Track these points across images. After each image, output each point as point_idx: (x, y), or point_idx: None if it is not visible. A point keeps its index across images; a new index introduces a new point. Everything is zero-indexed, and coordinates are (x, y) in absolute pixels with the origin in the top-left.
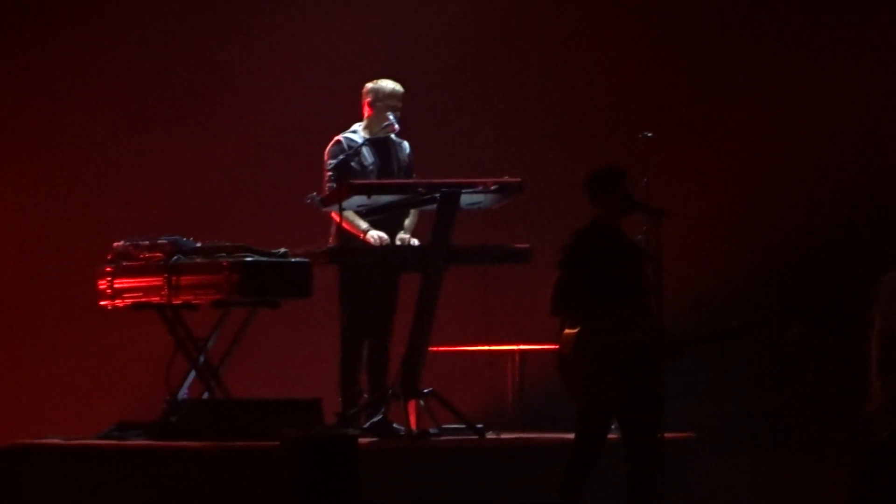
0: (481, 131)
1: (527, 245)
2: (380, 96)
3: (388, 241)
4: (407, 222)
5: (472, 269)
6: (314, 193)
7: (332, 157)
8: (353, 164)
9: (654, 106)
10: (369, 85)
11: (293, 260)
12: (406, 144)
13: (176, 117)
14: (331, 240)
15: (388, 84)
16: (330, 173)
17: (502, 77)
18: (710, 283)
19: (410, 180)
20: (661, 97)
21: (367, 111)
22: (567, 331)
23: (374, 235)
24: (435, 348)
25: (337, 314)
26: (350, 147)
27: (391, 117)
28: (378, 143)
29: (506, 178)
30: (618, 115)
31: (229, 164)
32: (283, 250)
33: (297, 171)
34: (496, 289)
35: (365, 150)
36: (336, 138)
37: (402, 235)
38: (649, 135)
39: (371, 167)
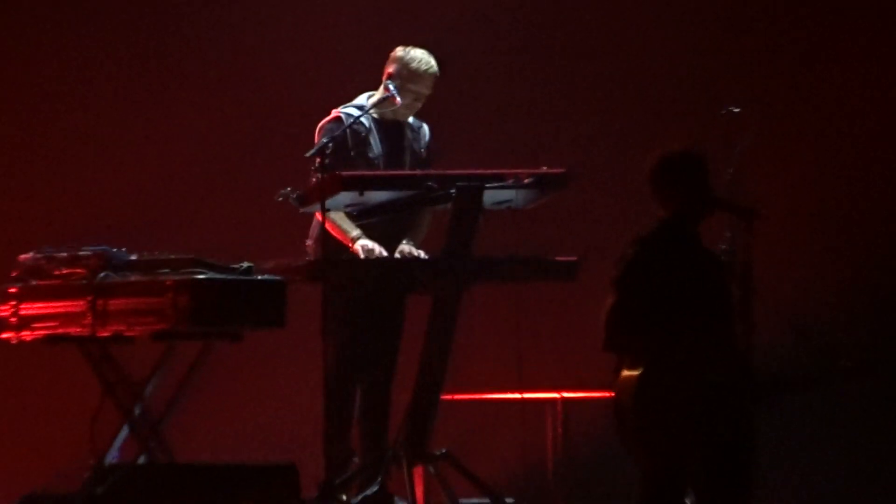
0: (513, 108)
1: (573, 258)
2: (403, 72)
3: (383, 253)
4: (413, 229)
5: (500, 290)
6: (288, 188)
7: (325, 137)
8: (352, 151)
9: (740, 72)
10: (399, 51)
11: (261, 278)
12: (426, 129)
13: (111, 98)
14: (311, 250)
15: (420, 59)
16: (318, 160)
17: (538, 39)
18: (815, 306)
19: (416, 171)
20: (751, 60)
21: (389, 88)
22: (626, 372)
23: (366, 247)
24: (450, 396)
25: (320, 350)
26: (353, 128)
27: (392, 88)
28: (388, 125)
29: (544, 169)
30: (690, 85)
31: (176, 153)
32: (246, 265)
33: (268, 162)
34: (531, 315)
35: (372, 133)
36: (334, 112)
37: (405, 247)
38: (736, 110)
39: (377, 159)
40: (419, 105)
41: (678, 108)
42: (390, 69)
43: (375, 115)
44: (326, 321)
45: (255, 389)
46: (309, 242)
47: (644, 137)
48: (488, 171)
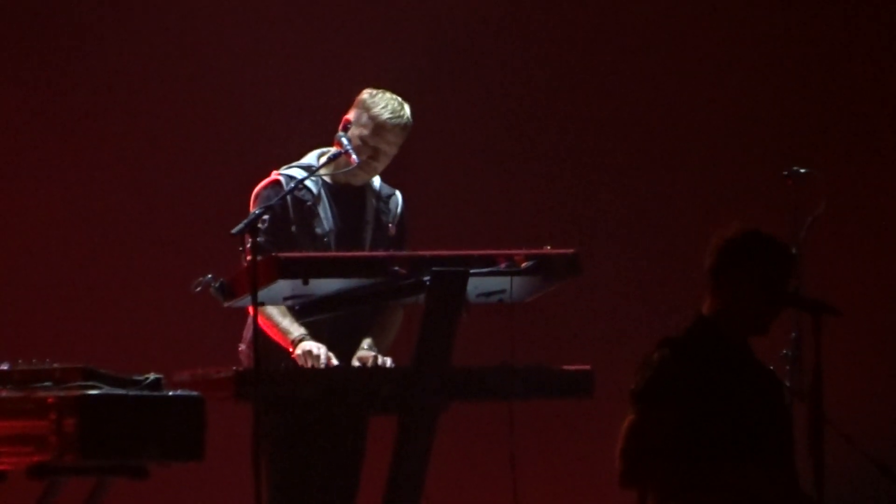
0: (509, 170)
1: (586, 366)
2: (363, 119)
3: (333, 361)
4: (377, 328)
5: (492, 409)
6: (209, 276)
7: (259, 208)
8: (294, 225)
9: (805, 129)
10: (364, 94)
11: (172, 394)
12: (398, 199)
13: None
14: (245, 357)
15: (386, 106)
16: (248, 238)
17: (550, 72)
18: None
19: (378, 252)
20: (818, 115)
21: (342, 143)
22: None
23: (308, 351)
24: None
25: (251, 486)
26: (296, 196)
27: (345, 141)
28: (344, 192)
29: (548, 249)
30: (741, 143)
31: (57, 220)
32: (153, 376)
33: (183, 238)
34: (532, 445)
35: (322, 202)
36: (273, 175)
37: (365, 352)
38: (802, 171)
39: (326, 236)
40: (379, 167)
41: (727, 171)
42: (350, 115)
43: (328, 180)
44: (256, 451)
45: None
46: (242, 347)
47: (686, 208)
48: (473, 253)
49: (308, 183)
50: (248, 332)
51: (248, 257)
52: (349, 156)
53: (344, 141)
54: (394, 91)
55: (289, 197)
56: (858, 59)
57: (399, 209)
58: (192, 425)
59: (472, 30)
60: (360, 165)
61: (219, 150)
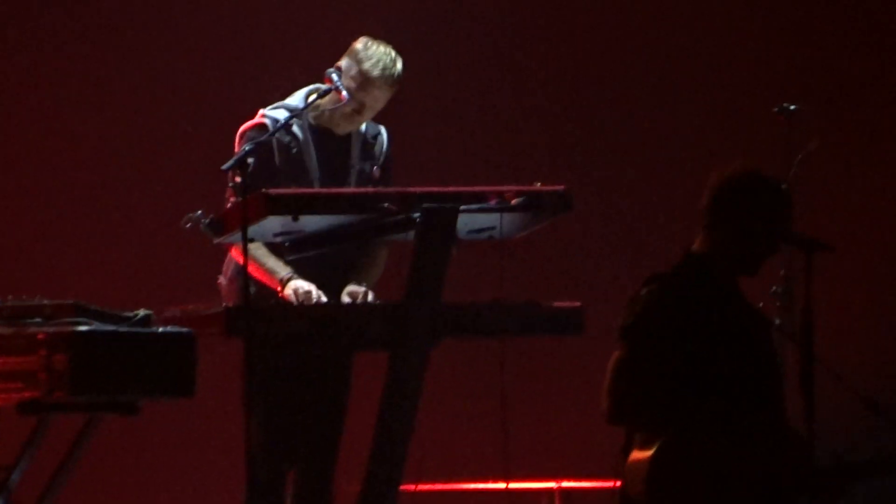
0: (498, 106)
1: (576, 303)
2: (352, 71)
3: (323, 298)
4: (364, 265)
5: (479, 346)
6: (198, 212)
7: (243, 143)
8: (279, 162)
9: (795, 64)
10: (358, 43)
11: (163, 330)
12: (384, 136)
13: None
14: (225, 290)
15: (378, 60)
16: (236, 176)
17: (524, 12)
18: (891, 370)
19: (367, 188)
20: (810, 49)
21: (332, 79)
22: (636, 453)
23: (298, 289)
24: (413, 486)
25: (240, 424)
26: (281, 139)
27: (335, 78)
28: (330, 137)
29: (538, 186)
30: (734, 81)
31: (48, 161)
32: (143, 312)
33: (171, 175)
34: (520, 380)
35: (308, 148)
36: (258, 117)
37: (354, 288)
38: (792, 107)
39: (312, 183)
40: (362, 120)
41: (717, 108)
42: (342, 63)
43: (313, 122)
44: (249, 387)
45: (156, 474)
46: (221, 280)
47: (676, 146)
48: (463, 190)
49: (294, 127)
50: (228, 267)
51: (231, 198)
52: (339, 92)
53: (334, 77)
54: (384, 27)
55: (274, 141)
56: None
57: (385, 148)
58: (182, 361)
59: None
60: (343, 116)
61: (206, 87)
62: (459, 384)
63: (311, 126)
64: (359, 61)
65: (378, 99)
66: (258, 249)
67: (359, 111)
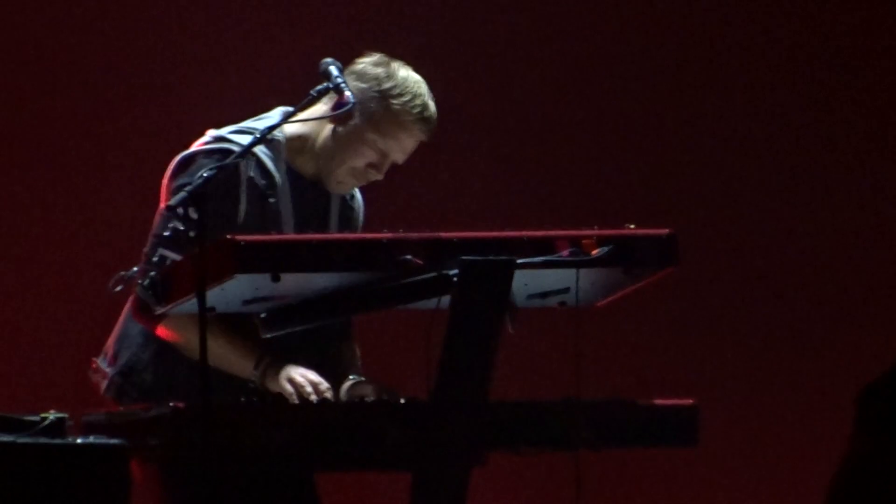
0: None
1: (688, 400)
2: (374, 105)
3: (330, 392)
4: (347, 353)
5: (545, 460)
6: (133, 269)
7: (192, 174)
8: (247, 213)
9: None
10: (378, 67)
11: (82, 441)
12: (358, 196)
13: None
14: (98, 375)
15: (413, 101)
16: (178, 209)
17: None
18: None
19: (381, 234)
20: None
21: (327, 105)
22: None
23: (297, 377)
24: None
25: None
26: (256, 178)
27: (350, 95)
28: (310, 185)
29: (631, 228)
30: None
31: None
32: (53, 415)
33: (101, 222)
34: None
35: (284, 195)
36: (213, 141)
37: (363, 387)
38: None
39: (287, 221)
40: (377, 178)
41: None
42: (360, 84)
43: (292, 164)
44: None
45: None
46: (98, 364)
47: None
48: (521, 235)
49: (269, 164)
50: (113, 341)
51: (166, 251)
52: (342, 94)
53: (348, 94)
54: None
55: (244, 182)
56: None
57: (362, 213)
58: (109, 485)
59: None
60: (350, 171)
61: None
62: None
63: (290, 170)
64: (385, 96)
65: (406, 151)
66: (212, 325)
67: (376, 165)
